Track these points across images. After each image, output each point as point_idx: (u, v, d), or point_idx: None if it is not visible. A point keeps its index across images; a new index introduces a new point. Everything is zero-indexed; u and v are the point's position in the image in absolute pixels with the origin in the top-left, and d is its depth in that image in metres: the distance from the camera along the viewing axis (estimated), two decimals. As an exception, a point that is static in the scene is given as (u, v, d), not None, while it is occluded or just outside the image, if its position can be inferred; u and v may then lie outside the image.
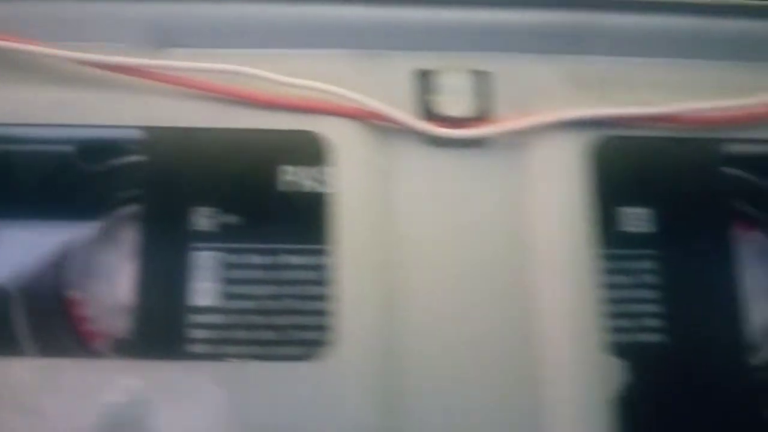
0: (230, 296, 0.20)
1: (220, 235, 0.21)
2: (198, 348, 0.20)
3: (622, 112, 0.22)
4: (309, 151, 0.21)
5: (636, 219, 0.22)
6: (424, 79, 0.22)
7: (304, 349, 0.20)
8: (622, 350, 0.20)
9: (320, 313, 0.20)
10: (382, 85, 0.22)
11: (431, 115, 0.22)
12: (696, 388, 0.20)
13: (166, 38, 0.23)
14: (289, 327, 0.20)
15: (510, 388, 0.20)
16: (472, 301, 0.21)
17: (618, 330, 0.21)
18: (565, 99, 0.22)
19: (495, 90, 0.22)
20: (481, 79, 0.22)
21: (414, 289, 0.21)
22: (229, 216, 0.21)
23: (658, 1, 0.23)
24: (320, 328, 0.20)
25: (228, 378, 0.19)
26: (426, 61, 0.22)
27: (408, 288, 0.21)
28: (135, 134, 0.22)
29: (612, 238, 0.21)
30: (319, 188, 0.21)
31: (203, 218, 0.21)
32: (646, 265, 0.21)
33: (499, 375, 0.20)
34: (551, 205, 0.21)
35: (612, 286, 0.21)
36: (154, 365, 0.19)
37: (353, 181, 0.21)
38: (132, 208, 0.22)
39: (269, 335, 0.20)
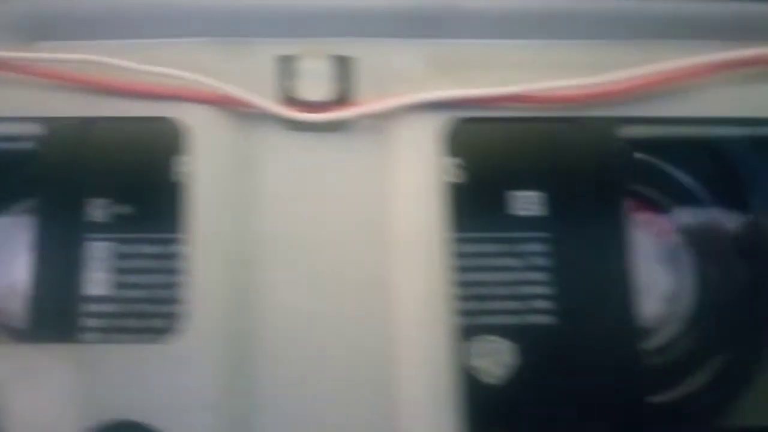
0: (121, 286, 0.21)
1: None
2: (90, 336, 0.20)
3: (476, 93, 0.22)
4: (173, 138, 0.22)
5: (526, 202, 0.22)
6: (285, 65, 0.22)
7: (154, 334, 0.20)
8: (512, 333, 0.21)
9: (172, 300, 0.20)
10: (245, 72, 0.22)
11: (292, 101, 0.22)
12: (584, 369, 0.21)
13: (36, 32, 0.23)
14: (143, 312, 0.20)
15: (364, 372, 0.21)
16: (328, 285, 0.21)
17: (508, 312, 0.21)
18: (426, 82, 0.23)
19: (356, 74, 0.23)
20: (343, 63, 0.23)
21: (271, 274, 0.21)
22: (122, 207, 0.22)
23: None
24: (171, 314, 0.20)
25: (78, 360, 0.20)
26: (289, 47, 0.23)
27: (265, 272, 0.21)
28: (25, 127, 0.22)
29: (501, 222, 0.22)
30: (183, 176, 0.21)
31: (97, 209, 0.22)
32: (536, 247, 0.22)
33: (354, 359, 0.21)
34: (408, 187, 0.22)
35: (501, 269, 0.21)
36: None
37: (211, 168, 0.21)
38: (28, 201, 0.23)
39: (127, 320, 0.20)
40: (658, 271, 0.25)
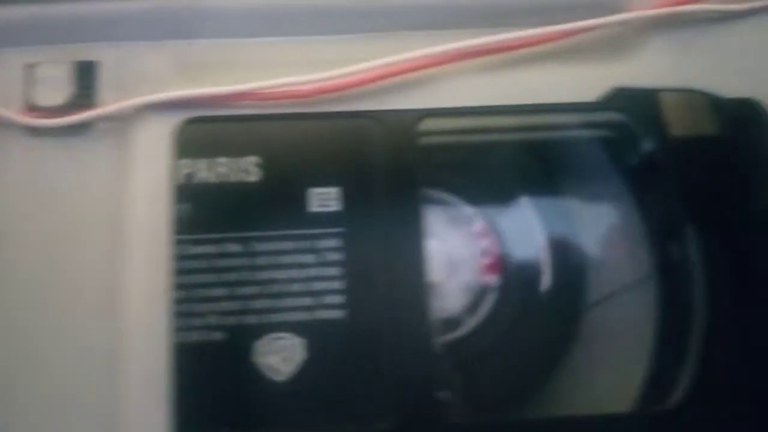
0: None
1: None
2: None
3: (205, 93, 0.22)
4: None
5: (323, 199, 0.22)
6: (28, 73, 0.23)
7: None
8: (302, 329, 0.21)
9: None
10: (-6, 82, 0.23)
11: (34, 108, 0.22)
12: (372, 362, 0.21)
13: None
14: None
15: (86, 374, 0.21)
16: (56, 287, 0.21)
17: (299, 309, 0.21)
18: (169, 84, 0.23)
19: (99, 78, 0.23)
20: (84, 68, 0.23)
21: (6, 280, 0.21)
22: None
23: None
24: None
25: None
26: (35, 55, 0.23)
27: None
28: None
29: (298, 219, 0.22)
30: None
31: None
32: (332, 243, 0.22)
33: (76, 361, 0.21)
34: (140, 188, 0.22)
35: (296, 266, 0.21)
36: None
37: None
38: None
39: None
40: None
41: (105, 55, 0.23)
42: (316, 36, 0.24)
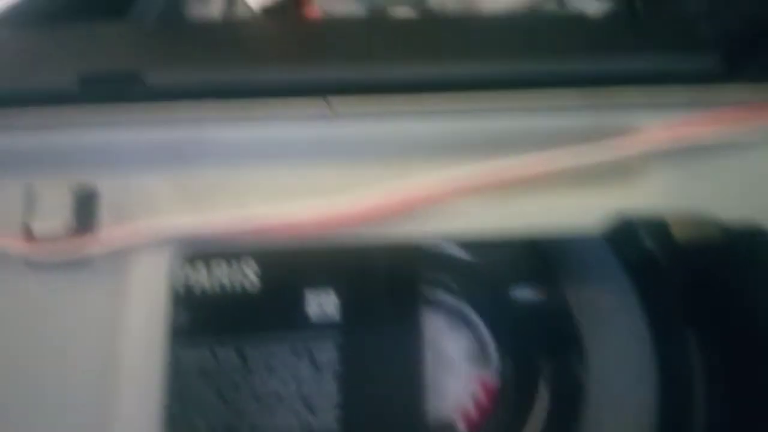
0: None
1: None
2: None
3: (206, 225, 0.22)
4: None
5: (321, 306, 0.22)
6: (27, 200, 0.23)
7: None
8: None
9: None
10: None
11: (31, 236, 0.22)
12: None
13: None
14: None
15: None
16: (48, 420, 0.21)
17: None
18: (170, 211, 0.23)
19: (100, 206, 0.23)
20: (85, 196, 0.23)
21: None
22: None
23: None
24: None
25: None
26: (35, 181, 0.23)
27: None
28: None
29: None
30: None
31: None
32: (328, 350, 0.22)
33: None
34: (136, 322, 0.22)
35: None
36: None
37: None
38: None
39: None
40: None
41: (105, 182, 0.23)
42: (317, 162, 0.24)
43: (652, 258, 0.24)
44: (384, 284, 0.23)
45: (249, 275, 0.22)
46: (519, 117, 0.24)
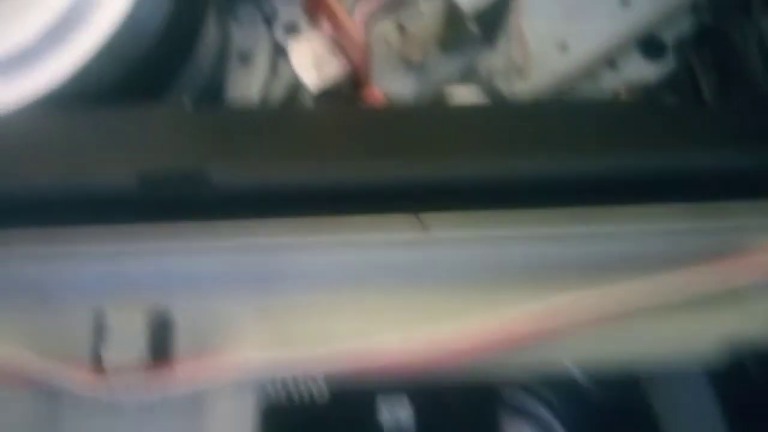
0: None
1: None
2: None
3: (292, 359, 0.20)
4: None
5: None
6: (97, 328, 0.20)
7: None
8: None
9: None
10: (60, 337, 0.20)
11: (100, 368, 0.20)
12: None
13: None
14: None
15: None
16: None
17: None
18: (253, 339, 0.20)
19: (176, 334, 0.20)
20: (160, 322, 0.20)
21: None
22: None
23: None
24: None
25: None
26: (106, 307, 0.20)
27: None
28: None
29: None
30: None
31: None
32: None
33: None
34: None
35: None
36: None
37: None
38: None
39: None
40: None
41: (181, 307, 0.21)
42: (408, 285, 0.22)
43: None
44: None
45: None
46: (621, 239, 0.22)
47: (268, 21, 0.33)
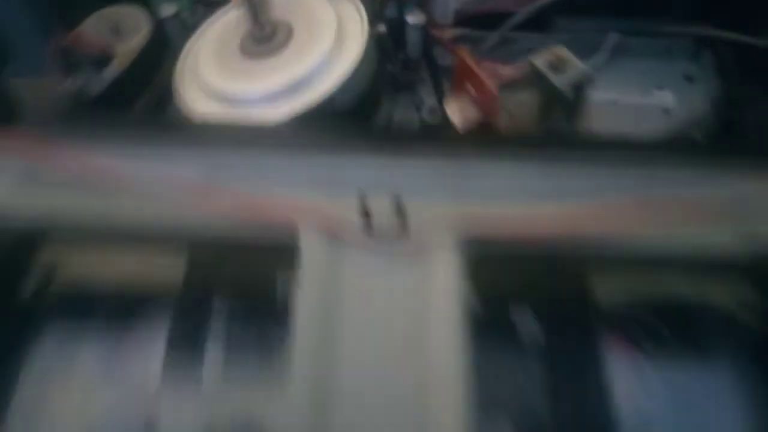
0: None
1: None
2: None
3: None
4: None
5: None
6: (365, 210, 0.32)
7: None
8: None
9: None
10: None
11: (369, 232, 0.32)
12: None
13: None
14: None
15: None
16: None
17: None
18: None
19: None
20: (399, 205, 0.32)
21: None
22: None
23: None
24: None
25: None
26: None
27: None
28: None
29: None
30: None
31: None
32: None
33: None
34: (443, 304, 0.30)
35: None
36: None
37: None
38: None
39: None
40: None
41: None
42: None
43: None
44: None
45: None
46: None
47: (417, 107, 0.49)
